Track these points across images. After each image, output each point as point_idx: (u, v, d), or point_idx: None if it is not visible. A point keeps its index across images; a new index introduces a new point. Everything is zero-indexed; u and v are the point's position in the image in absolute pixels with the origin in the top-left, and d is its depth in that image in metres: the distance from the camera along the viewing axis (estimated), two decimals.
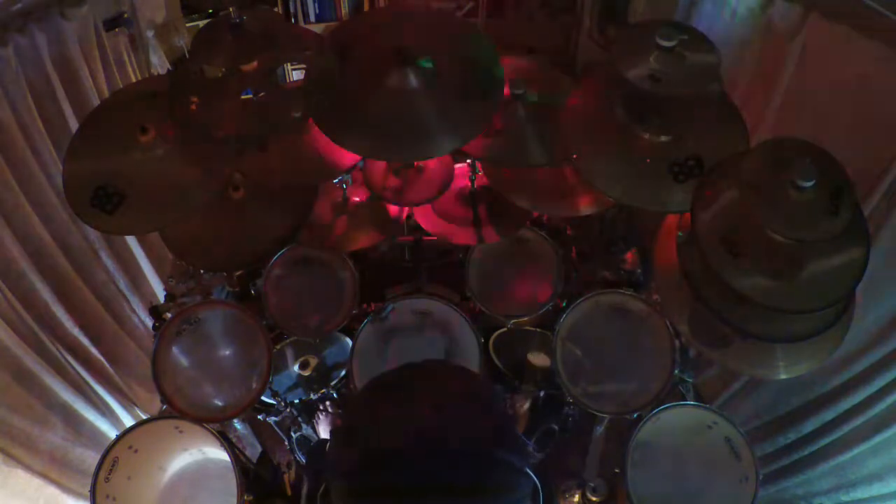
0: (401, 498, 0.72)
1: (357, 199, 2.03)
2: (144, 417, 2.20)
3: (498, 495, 0.75)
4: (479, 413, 0.79)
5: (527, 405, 2.03)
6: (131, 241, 2.47)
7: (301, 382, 2.06)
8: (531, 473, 0.80)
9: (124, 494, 1.69)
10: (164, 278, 2.57)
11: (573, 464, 2.00)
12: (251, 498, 1.74)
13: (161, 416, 1.80)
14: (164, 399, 1.75)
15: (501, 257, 2.07)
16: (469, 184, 1.99)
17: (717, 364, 2.26)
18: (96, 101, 2.08)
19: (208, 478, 1.90)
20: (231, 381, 1.87)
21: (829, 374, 1.98)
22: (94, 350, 2.32)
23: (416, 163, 1.90)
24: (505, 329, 2.04)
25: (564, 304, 1.95)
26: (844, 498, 2.11)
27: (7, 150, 1.92)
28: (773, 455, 2.24)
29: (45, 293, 2.09)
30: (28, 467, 2.08)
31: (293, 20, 3.26)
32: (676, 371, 1.75)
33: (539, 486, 0.82)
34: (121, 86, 2.24)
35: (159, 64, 2.52)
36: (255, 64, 1.55)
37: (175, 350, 1.83)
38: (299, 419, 2.03)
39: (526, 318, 1.98)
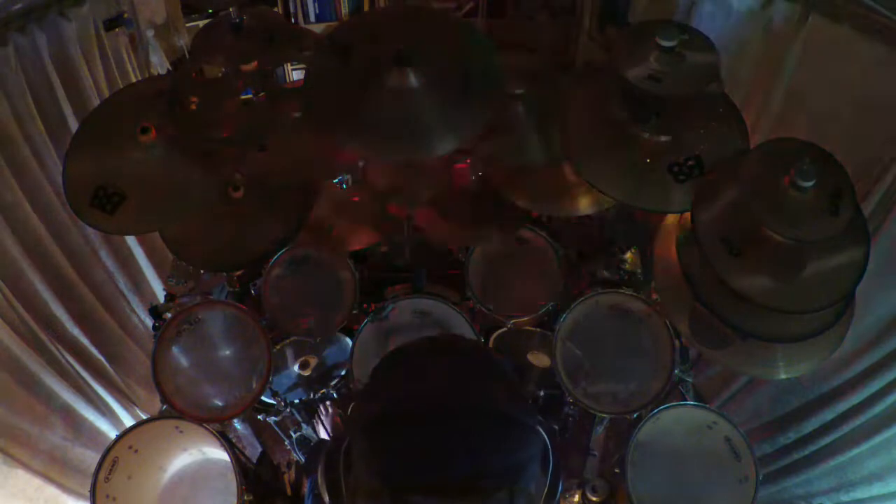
0: (419, 452, 0.75)
1: (357, 199, 2.02)
2: (144, 417, 2.20)
3: (511, 450, 0.78)
4: (492, 377, 0.84)
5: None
6: (131, 241, 2.47)
7: (301, 382, 2.05)
8: (542, 433, 0.83)
9: (124, 494, 1.69)
10: (164, 278, 2.57)
11: (573, 464, 2.00)
12: (251, 498, 1.74)
13: (161, 416, 1.80)
14: (164, 399, 1.75)
15: (501, 257, 2.07)
16: (469, 184, 1.99)
17: (717, 364, 2.27)
18: (96, 101, 2.07)
19: (208, 478, 1.90)
20: (231, 381, 1.86)
21: (829, 374, 1.98)
22: (94, 350, 2.32)
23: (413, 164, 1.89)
24: (505, 329, 2.04)
25: (564, 304, 1.95)
26: (844, 498, 2.11)
27: (7, 150, 1.92)
28: (773, 455, 2.24)
29: (45, 293, 2.09)
30: (28, 467, 2.08)
31: (293, 20, 3.25)
32: (676, 371, 1.75)
33: (549, 445, 0.86)
34: (121, 86, 2.24)
35: (159, 64, 2.52)
36: (255, 64, 1.55)
37: (175, 350, 1.83)
38: (299, 419, 2.03)
39: (526, 318, 1.98)
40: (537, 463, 0.82)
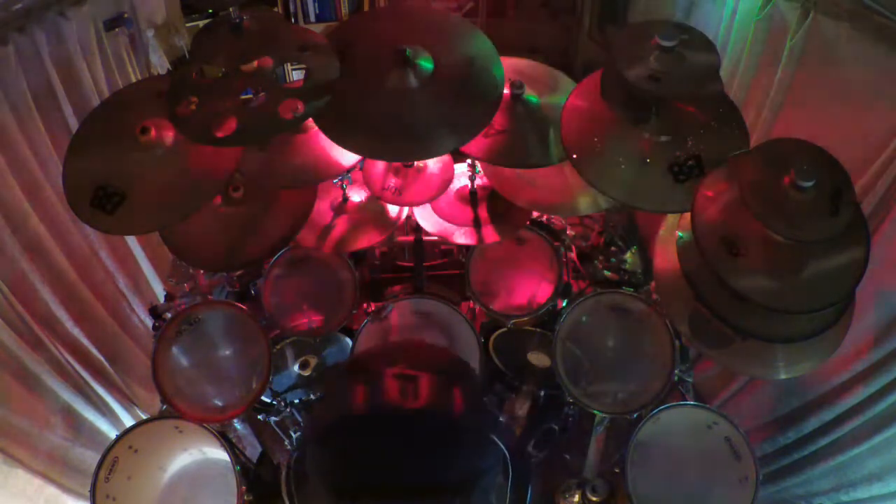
0: (370, 459, 0.75)
1: (357, 199, 2.03)
2: (144, 417, 2.20)
3: (466, 460, 0.77)
4: (447, 383, 0.82)
5: (527, 405, 2.02)
6: (131, 241, 2.47)
7: (301, 382, 2.05)
8: (500, 444, 0.82)
9: (124, 494, 1.69)
10: (164, 278, 2.57)
11: (573, 464, 2.00)
12: (251, 498, 1.74)
13: (161, 416, 1.80)
14: (164, 399, 1.75)
15: (501, 257, 2.07)
16: (469, 184, 2.00)
17: (717, 364, 2.27)
18: (96, 101, 2.07)
19: (208, 478, 1.90)
20: (231, 381, 1.86)
21: (829, 374, 1.98)
22: (94, 350, 2.32)
23: (415, 163, 1.90)
24: (505, 329, 2.04)
25: (564, 304, 1.95)
26: (844, 498, 2.11)
27: (7, 150, 1.92)
28: (773, 455, 2.24)
29: (45, 293, 2.09)
30: (28, 467, 2.08)
31: (293, 20, 3.26)
32: (676, 371, 1.75)
33: (508, 458, 0.84)
34: (121, 86, 2.24)
35: (159, 64, 2.52)
36: (255, 64, 1.55)
37: (175, 350, 1.83)
38: (299, 419, 2.03)
39: (526, 318, 1.98)
40: (497, 473, 0.81)
